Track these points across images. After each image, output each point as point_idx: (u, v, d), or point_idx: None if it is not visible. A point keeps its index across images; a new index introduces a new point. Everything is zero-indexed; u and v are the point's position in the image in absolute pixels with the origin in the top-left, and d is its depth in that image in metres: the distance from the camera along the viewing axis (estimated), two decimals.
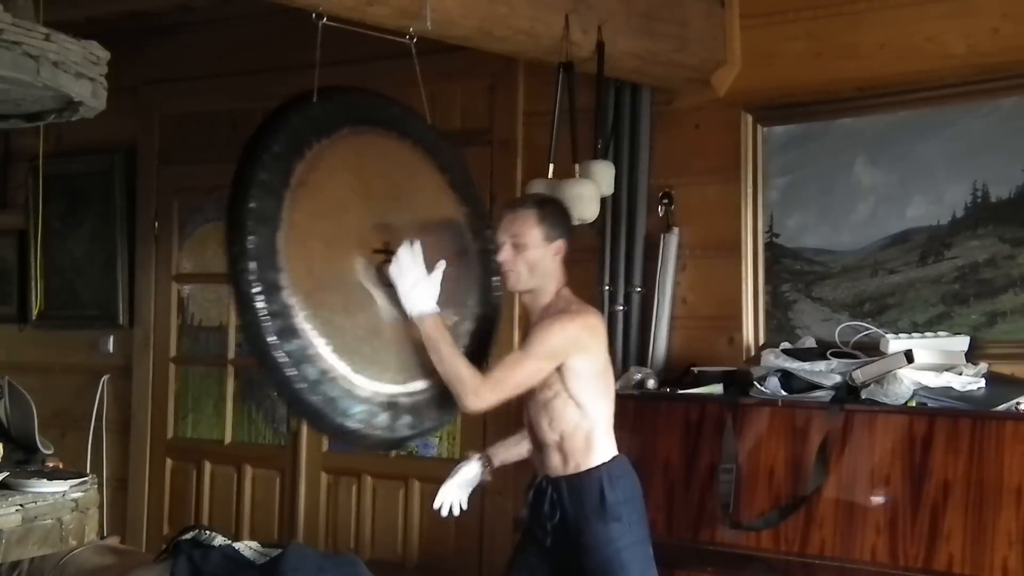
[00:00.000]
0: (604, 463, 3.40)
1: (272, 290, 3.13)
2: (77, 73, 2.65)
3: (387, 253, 3.39)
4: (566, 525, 3.38)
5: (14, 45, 2.50)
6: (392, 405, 3.31)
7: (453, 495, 3.59)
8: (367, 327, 3.34)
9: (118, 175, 5.84)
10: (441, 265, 3.29)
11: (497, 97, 4.91)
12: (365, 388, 3.26)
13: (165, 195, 5.78)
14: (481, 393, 3.27)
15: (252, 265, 3.10)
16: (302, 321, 3.16)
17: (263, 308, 3.10)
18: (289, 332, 3.13)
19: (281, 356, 3.12)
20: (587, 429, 3.40)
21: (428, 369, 3.33)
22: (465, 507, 3.61)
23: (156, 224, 5.78)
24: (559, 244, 3.41)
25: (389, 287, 3.33)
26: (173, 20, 5.54)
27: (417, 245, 3.27)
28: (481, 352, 3.57)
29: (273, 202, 3.20)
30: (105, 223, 5.86)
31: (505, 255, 3.40)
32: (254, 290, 3.10)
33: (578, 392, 3.38)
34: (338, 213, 3.36)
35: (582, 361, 3.38)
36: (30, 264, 6.03)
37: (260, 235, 3.15)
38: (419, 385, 3.38)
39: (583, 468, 3.38)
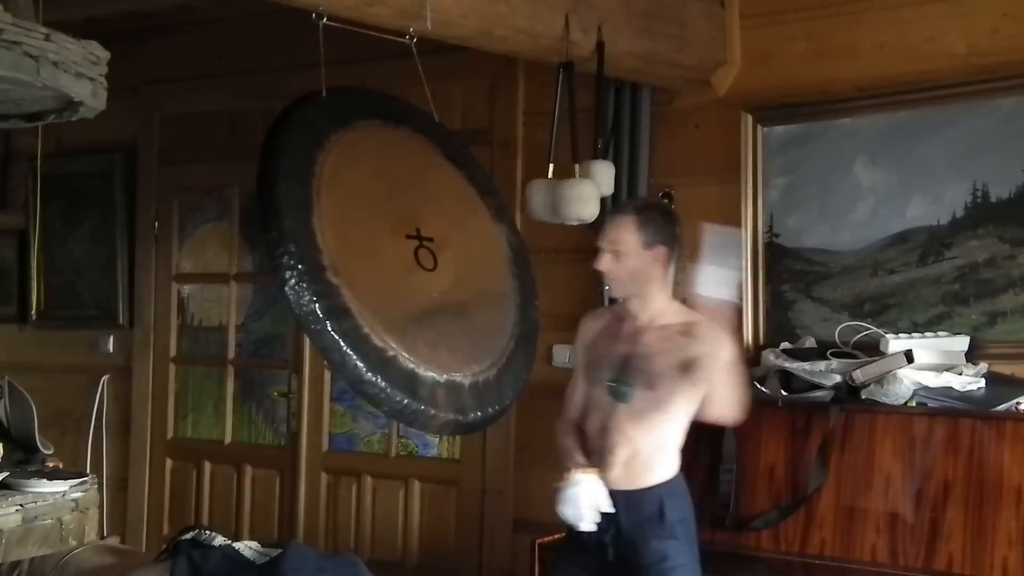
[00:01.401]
0: (666, 480, 3.37)
1: (316, 270, 3.12)
2: (77, 73, 2.65)
3: (419, 239, 3.41)
4: (620, 539, 3.33)
5: (14, 45, 2.50)
6: (453, 388, 3.31)
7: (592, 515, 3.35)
8: (411, 311, 3.34)
9: (118, 175, 5.83)
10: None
11: (497, 97, 4.91)
12: (423, 370, 3.25)
13: (165, 195, 5.78)
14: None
15: (293, 247, 3.09)
16: (350, 300, 3.14)
17: (310, 289, 3.08)
18: (339, 312, 3.12)
19: (335, 335, 3.10)
20: (671, 445, 3.39)
21: (479, 353, 3.35)
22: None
23: (156, 224, 5.78)
24: (660, 251, 3.36)
25: (426, 271, 3.34)
26: (173, 20, 5.54)
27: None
28: (523, 373, 3.60)
29: (302, 188, 3.20)
30: (105, 223, 5.86)
31: (604, 262, 3.38)
32: (299, 269, 3.07)
33: (686, 413, 3.37)
34: (365, 200, 3.39)
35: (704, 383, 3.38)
36: (30, 264, 6.03)
37: (295, 218, 3.14)
38: (474, 368, 3.40)
39: (647, 484, 3.35)
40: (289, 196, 3.17)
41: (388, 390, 3.19)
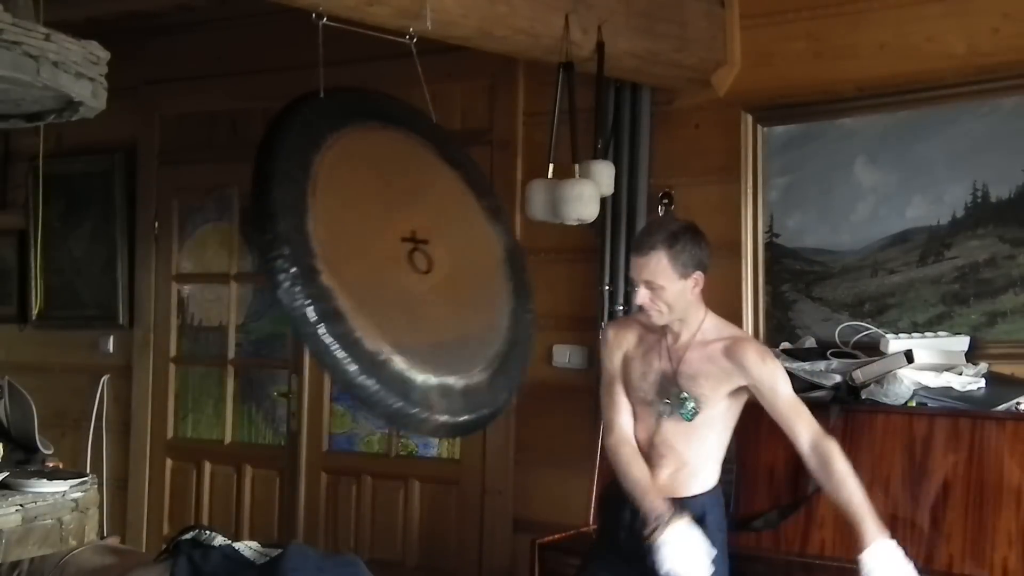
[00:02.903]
0: (710, 490, 3.38)
1: (309, 273, 3.12)
2: (77, 73, 2.65)
3: (414, 241, 3.42)
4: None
5: (14, 45, 2.50)
6: (445, 390, 3.31)
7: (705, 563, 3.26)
8: (405, 314, 3.35)
9: (118, 175, 5.84)
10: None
11: (497, 97, 4.91)
12: (415, 373, 3.26)
13: (165, 195, 5.78)
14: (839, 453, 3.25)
15: (287, 250, 3.10)
16: (343, 304, 3.15)
17: (303, 292, 3.09)
18: (332, 315, 3.12)
19: (328, 339, 3.11)
20: (717, 456, 3.40)
21: (472, 355, 3.35)
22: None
23: (156, 224, 5.78)
24: (696, 276, 3.30)
25: (420, 274, 3.36)
26: (173, 20, 5.54)
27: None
28: (517, 376, 3.60)
29: (296, 191, 3.21)
30: (105, 223, 5.86)
31: (642, 298, 3.30)
32: (292, 272, 3.09)
33: (731, 424, 3.39)
34: (360, 202, 3.39)
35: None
36: (30, 264, 6.03)
37: (289, 221, 3.15)
38: (467, 371, 3.41)
39: (689, 493, 3.35)
40: (284, 199, 3.18)
41: (380, 393, 3.19)
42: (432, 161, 3.69)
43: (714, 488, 3.41)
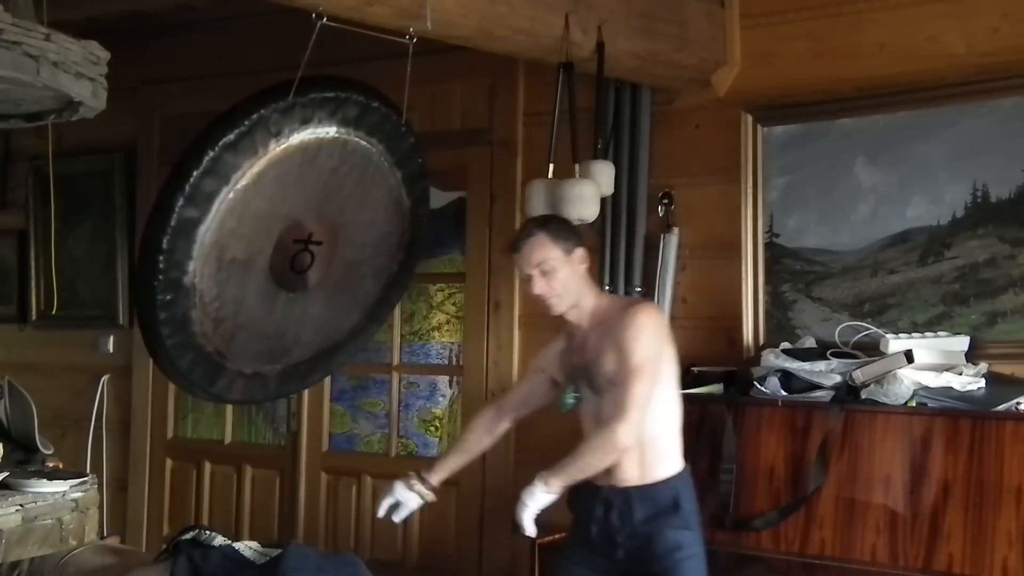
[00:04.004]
0: (678, 473, 3.41)
1: (176, 279, 3.47)
2: (77, 73, 2.65)
3: (306, 242, 3.73)
4: (633, 535, 3.36)
5: (14, 45, 2.50)
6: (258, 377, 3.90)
7: (385, 511, 3.70)
8: (256, 316, 3.74)
9: (118, 175, 5.84)
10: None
11: (497, 97, 4.91)
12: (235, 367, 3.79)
13: None
14: (621, 432, 3.26)
15: (166, 245, 3.42)
16: (194, 310, 3.57)
17: (161, 295, 3.47)
18: (178, 321, 3.55)
19: (165, 329, 3.54)
20: (666, 436, 3.40)
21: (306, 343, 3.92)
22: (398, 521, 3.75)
23: None
24: (579, 253, 3.41)
25: (295, 274, 3.77)
26: (173, 20, 5.54)
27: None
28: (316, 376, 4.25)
29: (209, 193, 3.44)
30: (105, 223, 5.86)
31: (539, 286, 3.38)
32: (160, 279, 3.44)
33: (663, 395, 3.37)
34: (268, 210, 3.60)
35: (667, 359, 3.38)
36: (30, 264, 6.03)
37: (183, 223, 3.42)
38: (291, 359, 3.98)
39: (659, 478, 3.38)
40: (191, 197, 3.41)
41: (194, 379, 3.74)
42: (373, 164, 3.82)
43: (684, 471, 3.43)
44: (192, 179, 3.38)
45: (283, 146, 3.51)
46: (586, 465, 3.30)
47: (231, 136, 3.41)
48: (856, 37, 4.13)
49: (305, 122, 3.53)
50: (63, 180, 5.64)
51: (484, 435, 3.76)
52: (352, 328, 4.08)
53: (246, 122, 3.43)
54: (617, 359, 3.31)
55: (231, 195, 3.45)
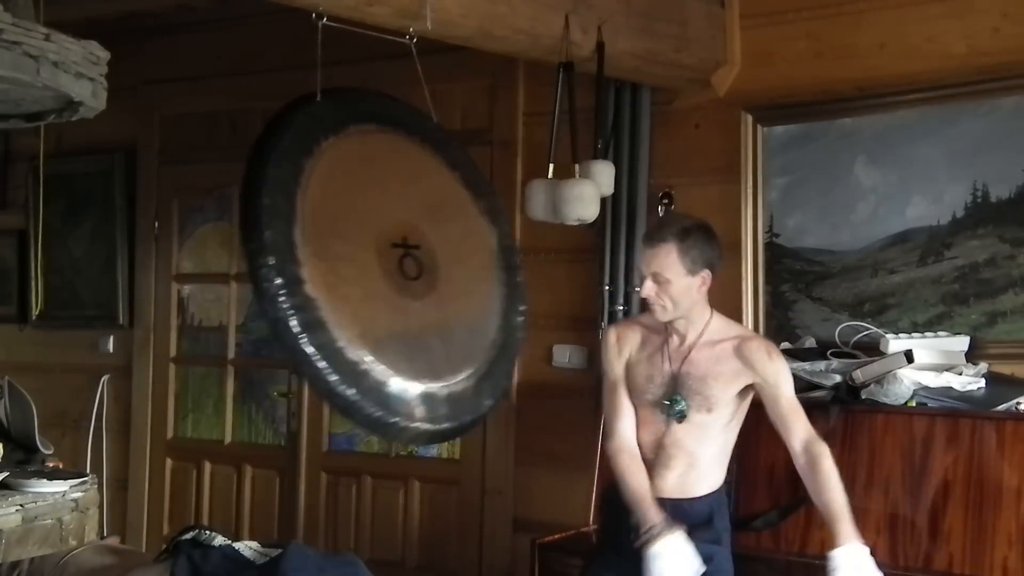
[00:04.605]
0: (716, 490, 3.40)
1: (294, 283, 3.15)
2: (77, 73, 2.65)
3: (406, 247, 3.44)
4: None
5: (14, 45, 2.50)
6: (428, 398, 3.34)
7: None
8: (389, 322, 3.37)
9: (118, 175, 5.84)
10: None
11: (497, 97, 4.91)
12: (397, 381, 3.29)
13: (165, 195, 5.78)
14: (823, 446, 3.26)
15: (272, 260, 3.12)
16: (327, 314, 3.18)
17: (287, 302, 3.12)
18: (315, 325, 3.16)
19: (310, 349, 3.14)
20: (719, 457, 3.39)
21: (457, 361, 3.40)
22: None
23: (156, 224, 5.78)
24: (704, 275, 3.28)
25: (409, 280, 3.40)
26: (173, 20, 5.54)
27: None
28: (503, 381, 3.63)
29: (286, 198, 3.22)
30: (105, 223, 5.86)
31: (647, 290, 3.28)
32: (276, 283, 3.12)
33: (741, 422, 3.39)
34: (352, 209, 3.40)
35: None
36: (30, 264, 6.03)
37: (276, 229, 3.17)
38: (451, 379, 3.43)
39: (697, 494, 3.36)
40: (272, 206, 3.20)
41: (360, 402, 3.22)
42: (429, 163, 3.69)
43: (720, 488, 3.42)
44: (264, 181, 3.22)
45: (338, 142, 3.40)
46: (846, 500, 3.22)
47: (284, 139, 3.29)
48: (856, 37, 4.13)
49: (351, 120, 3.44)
50: (63, 180, 5.66)
51: (642, 470, 3.42)
52: (500, 326, 3.73)
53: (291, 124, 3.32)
54: (766, 393, 3.30)
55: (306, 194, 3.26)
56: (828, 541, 3.17)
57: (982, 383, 3.70)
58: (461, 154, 3.87)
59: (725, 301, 4.30)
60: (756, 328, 4.27)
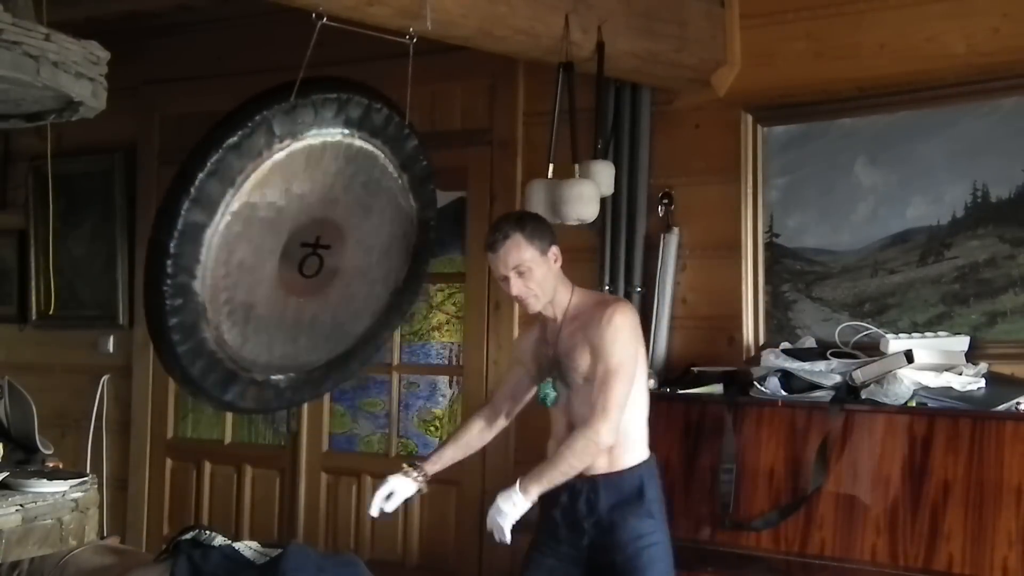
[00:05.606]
0: (643, 461, 3.45)
1: (186, 283, 3.41)
2: (77, 73, 2.65)
3: (315, 246, 3.66)
4: (599, 522, 3.41)
5: (14, 45, 2.50)
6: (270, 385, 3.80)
7: (378, 508, 3.59)
8: (265, 319, 3.66)
9: (118, 175, 5.84)
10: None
11: (497, 97, 4.91)
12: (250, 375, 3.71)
13: None
14: (604, 434, 3.31)
15: (174, 250, 3.36)
16: (205, 315, 3.49)
17: (170, 300, 3.40)
18: (189, 327, 3.49)
19: (177, 346, 3.48)
20: (635, 427, 3.44)
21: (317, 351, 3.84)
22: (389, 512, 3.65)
23: None
24: (554, 251, 3.44)
25: (304, 278, 3.69)
26: (173, 20, 5.54)
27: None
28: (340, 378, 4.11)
29: (214, 198, 3.39)
30: (105, 223, 5.86)
31: (516, 288, 3.41)
32: (169, 284, 3.37)
33: (635, 390, 3.40)
34: (275, 214, 3.54)
35: (640, 357, 3.43)
36: (30, 264, 6.03)
37: (189, 227, 3.36)
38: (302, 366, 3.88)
39: (626, 466, 3.42)
40: (195, 202, 3.35)
41: (206, 387, 3.64)
42: (378, 167, 3.77)
43: (649, 459, 3.47)
44: (197, 182, 3.34)
45: (287, 148, 3.46)
46: (569, 468, 3.35)
47: (234, 138, 3.36)
48: (856, 37, 4.13)
49: (308, 124, 3.50)
50: (63, 180, 5.65)
51: (479, 430, 3.76)
52: (363, 334, 4.01)
53: (249, 124, 3.38)
54: (593, 358, 3.36)
55: (236, 198, 3.41)
56: (828, 541, 3.18)
57: (982, 383, 3.70)
58: (416, 152, 3.88)
59: (725, 301, 4.32)
60: (756, 328, 4.27)
